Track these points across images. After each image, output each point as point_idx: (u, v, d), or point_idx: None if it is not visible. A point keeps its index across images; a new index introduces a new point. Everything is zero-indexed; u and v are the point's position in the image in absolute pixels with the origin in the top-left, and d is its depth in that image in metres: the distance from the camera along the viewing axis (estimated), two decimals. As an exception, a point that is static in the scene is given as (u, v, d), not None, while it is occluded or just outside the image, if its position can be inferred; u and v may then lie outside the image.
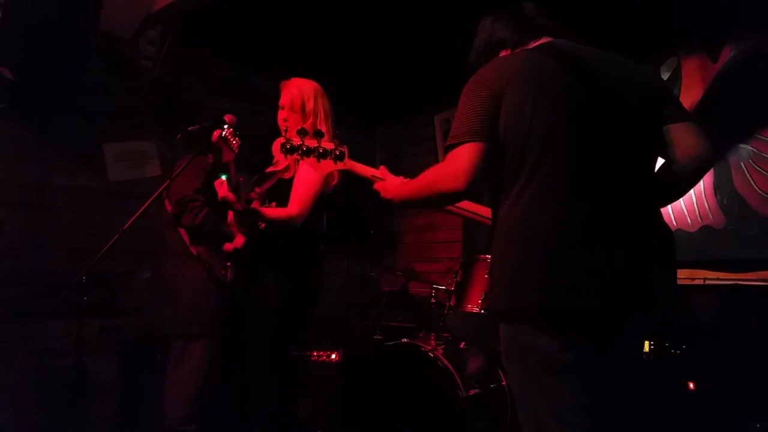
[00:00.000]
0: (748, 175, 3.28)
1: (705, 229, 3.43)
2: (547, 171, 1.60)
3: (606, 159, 1.63)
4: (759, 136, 3.27)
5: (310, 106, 2.78)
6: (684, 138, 1.72)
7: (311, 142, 2.04)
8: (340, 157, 2.05)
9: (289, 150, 2.03)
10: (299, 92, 2.79)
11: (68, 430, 3.11)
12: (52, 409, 3.23)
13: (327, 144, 2.05)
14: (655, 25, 3.60)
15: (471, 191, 1.63)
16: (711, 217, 3.42)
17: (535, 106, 1.62)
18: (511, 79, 1.66)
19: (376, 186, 2.03)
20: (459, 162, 1.62)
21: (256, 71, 4.45)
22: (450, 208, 2.11)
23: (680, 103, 1.80)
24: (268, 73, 3.72)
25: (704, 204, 3.42)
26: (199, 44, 4.12)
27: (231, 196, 2.49)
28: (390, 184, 2.00)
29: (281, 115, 2.83)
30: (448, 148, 1.66)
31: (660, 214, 1.75)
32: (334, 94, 2.91)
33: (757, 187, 3.25)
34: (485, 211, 2.09)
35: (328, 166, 2.06)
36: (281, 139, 2.05)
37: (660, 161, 1.78)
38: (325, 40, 4.08)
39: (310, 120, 2.78)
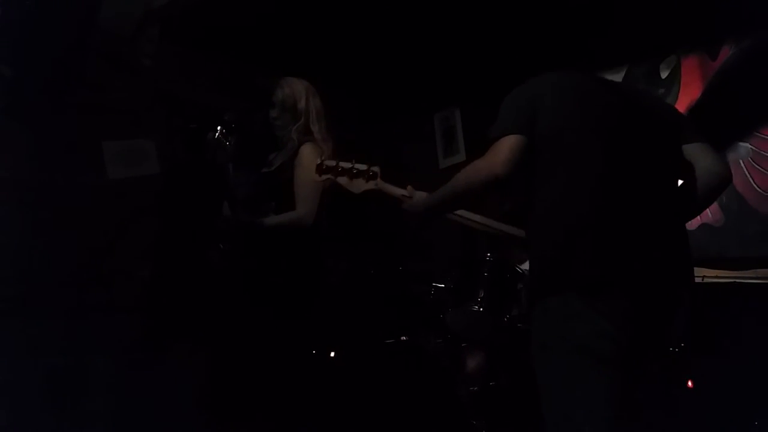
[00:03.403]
0: (747, 173, 3.28)
1: (704, 228, 3.43)
2: (586, 165, 1.72)
3: (636, 163, 1.76)
4: (758, 134, 3.27)
5: (301, 105, 2.80)
6: (702, 157, 1.86)
7: (345, 164, 2.19)
8: (372, 177, 2.19)
9: (324, 171, 2.20)
10: (291, 91, 2.81)
11: (67, 430, 3.10)
12: (51, 408, 3.23)
13: (360, 165, 2.19)
14: (655, 24, 3.60)
15: (508, 178, 1.72)
16: (710, 215, 3.42)
17: (571, 109, 1.79)
18: (550, 86, 1.83)
19: (404, 206, 2.14)
20: (500, 151, 1.74)
21: (255, 69, 4.45)
22: (461, 218, 2.26)
23: (693, 127, 1.94)
24: (268, 70, 3.72)
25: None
26: (199, 42, 4.11)
27: (231, 214, 2.51)
28: (417, 199, 2.11)
29: (273, 113, 2.84)
30: (491, 140, 1.78)
31: (683, 230, 1.85)
32: (332, 93, 2.91)
33: (757, 186, 3.25)
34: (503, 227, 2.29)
35: (360, 185, 2.20)
36: (317, 161, 2.23)
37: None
38: (324, 38, 4.07)
39: (302, 119, 2.79)
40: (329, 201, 2.82)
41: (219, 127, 2.50)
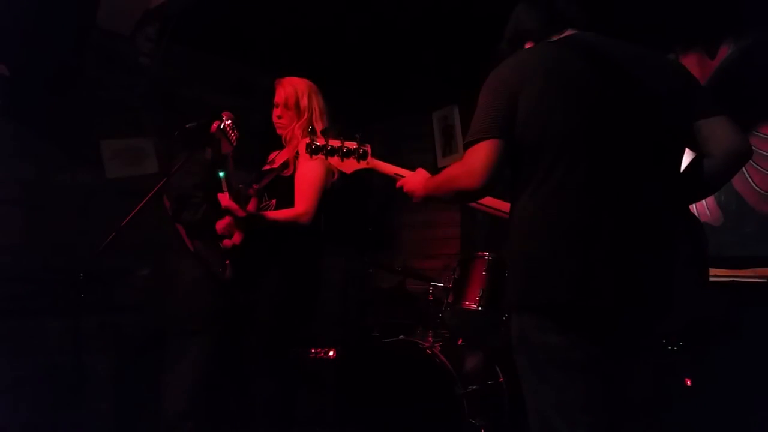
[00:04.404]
0: (745, 172, 3.28)
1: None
2: (564, 168, 1.59)
3: (627, 156, 1.61)
4: (757, 133, 3.27)
5: (304, 103, 2.80)
6: (720, 133, 1.69)
7: (335, 143, 2.14)
8: (363, 156, 2.16)
9: (314, 150, 2.14)
10: (293, 90, 2.81)
11: (66, 428, 3.10)
12: (49, 406, 3.23)
13: (350, 144, 2.15)
14: (653, 22, 3.60)
15: (487, 189, 1.64)
16: (708, 214, 3.42)
17: (553, 102, 1.61)
18: (528, 74, 1.64)
19: (400, 183, 2.08)
20: (475, 160, 1.63)
21: (253, 68, 4.45)
22: (473, 204, 2.14)
23: (713, 98, 1.75)
24: (266, 70, 3.72)
25: (702, 201, 3.42)
26: (197, 41, 4.11)
27: (233, 205, 2.50)
28: (410, 181, 2.05)
29: (276, 112, 2.85)
30: (466, 146, 1.67)
31: (688, 211, 1.76)
32: (331, 91, 2.91)
33: (755, 185, 3.25)
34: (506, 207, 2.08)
35: (352, 164, 2.16)
36: (306, 140, 2.15)
37: (686, 158, 1.75)
38: (322, 38, 4.07)
39: (305, 117, 2.80)
40: (330, 200, 2.82)
41: (221, 125, 2.49)
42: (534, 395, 1.67)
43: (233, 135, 2.54)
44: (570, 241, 1.56)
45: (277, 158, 2.89)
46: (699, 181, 1.75)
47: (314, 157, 2.15)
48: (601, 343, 1.59)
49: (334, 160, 2.16)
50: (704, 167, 1.72)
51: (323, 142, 2.15)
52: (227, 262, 2.75)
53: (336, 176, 2.78)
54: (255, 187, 2.69)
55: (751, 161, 3.26)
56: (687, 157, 1.77)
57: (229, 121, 2.52)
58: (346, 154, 2.15)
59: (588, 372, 1.59)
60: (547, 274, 1.57)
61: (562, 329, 1.58)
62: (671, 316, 1.67)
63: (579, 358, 1.58)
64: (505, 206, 2.12)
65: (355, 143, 2.16)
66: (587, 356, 1.58)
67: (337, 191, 2.82)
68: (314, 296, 2.79)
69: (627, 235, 1.57)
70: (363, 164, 2.16)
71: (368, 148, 2.17)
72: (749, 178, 3.27)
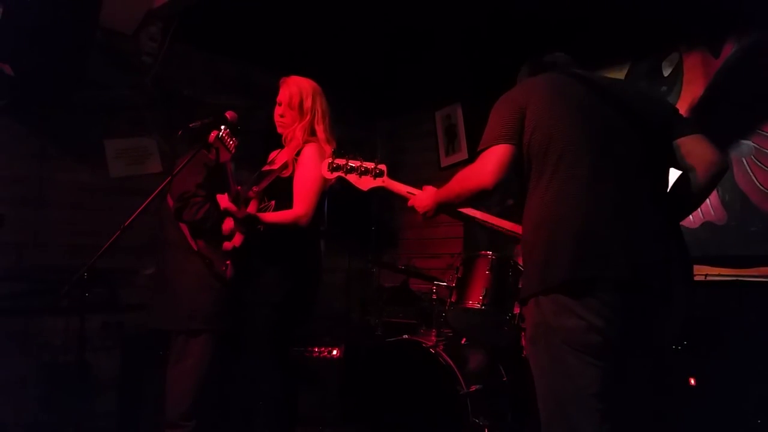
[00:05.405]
0: (749, 171, 3.28)
1: (706, 225, 3.43)
2: (570, 164, 1.74)
3: (623, 157, 1.77)
4: (761, 132, 3.26)
5: (307, 104, 2.80)
6: (698, 148, 1.85)
7: (355, 162, 2.34)
8: (379, 175, 2.33)
9: (334, 168, 2.36)
10: (298, 90, 2.80)
11: (70, 427, 3.11)
12: (53, 405, 3.24)
13: (368, 164, 2.34)
14: (657, 21, 3.59)
15: (498, 188, 1.79)
16: (713, 213, 3.41)
17: (556, 111, 1.81)
18: (534, 91, 1.88)
19: (410, 202, 2.23)
20: (488, 161, 1.81)
21: (256, 67, 4.45)
22: (474, 216, 2.27)
23: (688, 120, 1.96)
24: (269, 69, 3.72)
25: (706, 200, 3.41)
26: (200, 40, 4.11)
27: (232, 207, 2.52)
28: (420, 197, 2.19)
29: (278, 111, 2.84)
30: (478, 153, 1.84)
31: (678, 225, 1.87)
32: (335, 90, 2.91)
33: (759, 183, 3.24)
34: (506, 224, 2.28)
35: (368, 182, 2.34)
36: (328, 159, 2.37)
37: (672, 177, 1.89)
38: (326, 36, 4.07)
39: (307, 118, 2.79)
40: (331, 200, 2.82)
41: (222, 127, 2.49)
42: (549, 382, 1.72)
43: (231, 143, 2.55)
44: (583, 225, 1.68)
45: (278, 158, 2.89)
46: (683, 198, 1.88)
47: (334, 173, 2.34)
48: (617, 329, 1.65)
49: (352, 178, 2.33)
50: (687, 181, 1.86)
51: (344, 162, 2.34)
52: (228, 261, 2.76)
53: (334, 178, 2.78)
54: (255, 189, 2.69)
55: (755, 159, 3.27)
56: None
57: (227, 129, 2.53)
58: (364, 172, 2.32)
59: (603, 359, 1.65)
60: (564, 254, 1.67)
61: (580, 312, 1.64)
62: (671, 313, 1.73)
63: (595, 342, 1.64)
64: (502, 223, 2.28)
65: (373, 164, 2.32)
66: (603, 341, 1.64)
67: (339, 191, 2.82)
68: (314, 296, 2.79)
69: (632, 223, 1.70)
70: (378, 182, 2.32)
71: (384, 168, 2.32)
72: (753, 177, 3.26)
